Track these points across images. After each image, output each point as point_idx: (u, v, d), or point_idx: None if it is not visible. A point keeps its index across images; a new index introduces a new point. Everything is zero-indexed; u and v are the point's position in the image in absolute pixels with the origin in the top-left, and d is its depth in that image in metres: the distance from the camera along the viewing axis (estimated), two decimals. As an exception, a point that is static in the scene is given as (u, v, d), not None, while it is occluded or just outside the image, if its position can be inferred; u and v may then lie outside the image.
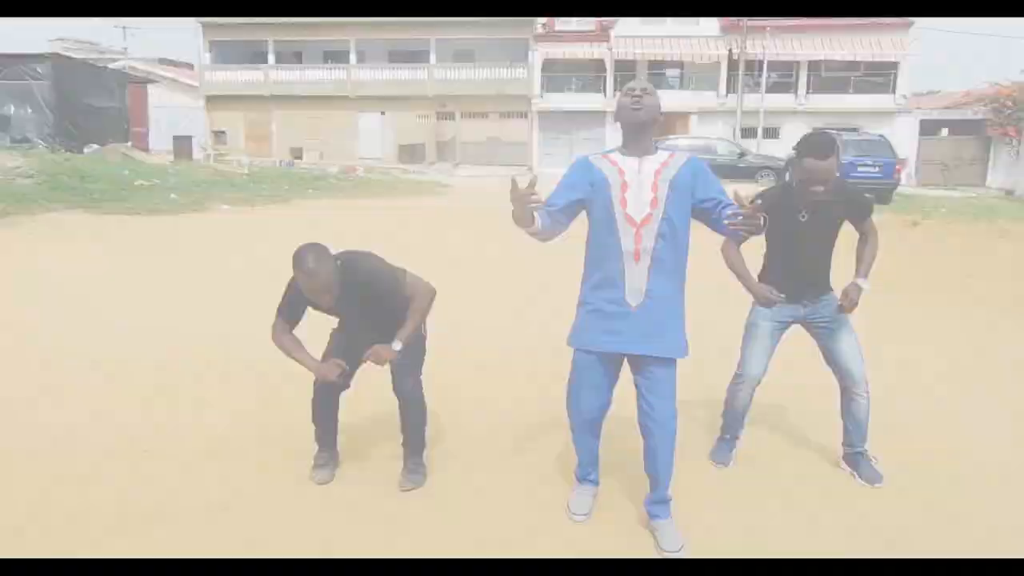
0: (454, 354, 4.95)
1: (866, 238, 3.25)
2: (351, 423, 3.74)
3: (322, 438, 3.22)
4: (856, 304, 3.16)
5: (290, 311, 3.03)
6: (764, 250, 3.27)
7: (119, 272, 7.43)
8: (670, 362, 2.69)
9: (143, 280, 7.06)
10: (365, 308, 2.96)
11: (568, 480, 3.12)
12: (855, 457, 3.30)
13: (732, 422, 3.43)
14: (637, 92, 2.60)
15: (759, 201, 2.78)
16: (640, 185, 2.61)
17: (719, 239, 3.02)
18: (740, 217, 2.42)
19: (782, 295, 3.11)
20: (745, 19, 27.91)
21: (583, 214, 2.74)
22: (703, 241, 3.07)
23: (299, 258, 2.76)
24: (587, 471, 3.00)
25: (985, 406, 4.27)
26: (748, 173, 22.40)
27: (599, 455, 3.02)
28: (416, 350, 3.12)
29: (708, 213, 2.63)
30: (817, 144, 2.92)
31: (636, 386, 2.73)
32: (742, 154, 23.33)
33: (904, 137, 27.67)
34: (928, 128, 28.62)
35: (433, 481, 3.17)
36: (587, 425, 2.89)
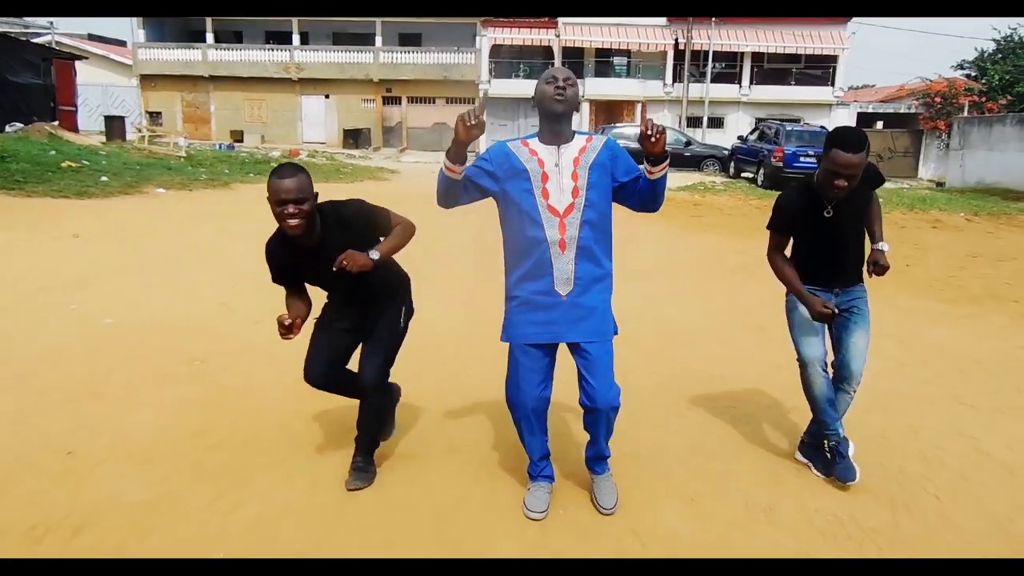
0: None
1: (870, 203, 3.15)
2: (297, 419, 3.57)
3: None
4: (888, 266, 3.11)
5: (280, 278, 2.87)
6: (793, 253, 3.18)
7: (42, 259, 6.99)
8: (605, 342, 2.69)
9: (70, 267, 6.65)
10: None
11: (523, 476, 3.02)
12: (813, 450, 3.26)
13: (823, 417, 3.11)
14: (560, 84, 2.55)
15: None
16: (560, 174, 2.59)
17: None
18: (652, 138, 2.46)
19: (835, 309, 3.01)
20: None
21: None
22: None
23: (274, 171, 2.65)
24: (539, 467, 2.91)
25: (924, 392, 4.33)
26: (694, 162, 22.72)
27: (549, 451, 2.93)
28: (390, 335, 2.97)
29: (627, 188, 2.66)
30: (848, 136, 2.79)
31: (577, 368, 2.70)
32: (688, 143, 23.59)
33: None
34: (864, 121, 29.44)
35: (379, 478, 3.02)
36: (532, 418, 2.81)
